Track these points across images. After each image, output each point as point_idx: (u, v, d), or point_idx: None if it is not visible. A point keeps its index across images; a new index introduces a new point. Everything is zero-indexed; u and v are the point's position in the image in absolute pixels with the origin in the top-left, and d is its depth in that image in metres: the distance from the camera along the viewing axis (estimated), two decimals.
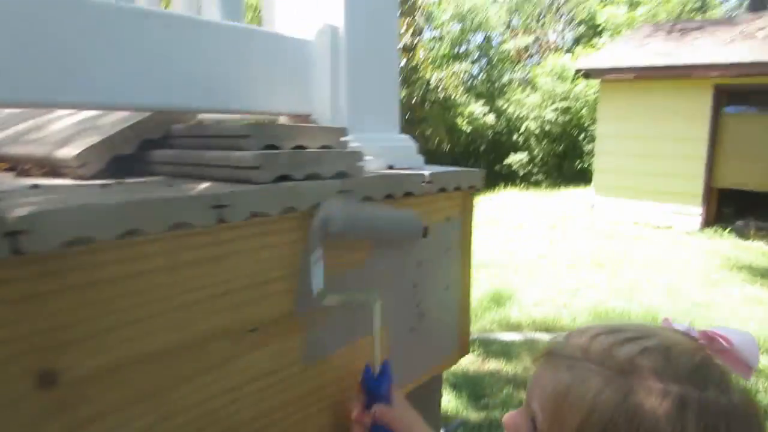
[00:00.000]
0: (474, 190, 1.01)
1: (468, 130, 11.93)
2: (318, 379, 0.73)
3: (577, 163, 11.27)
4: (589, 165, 9.98)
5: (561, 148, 11.57)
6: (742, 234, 6.79)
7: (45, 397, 0.46)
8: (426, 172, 0.86)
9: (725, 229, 6.92)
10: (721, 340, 0.59)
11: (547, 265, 5.70)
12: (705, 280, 5.26)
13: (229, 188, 0.59)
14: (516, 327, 4.10)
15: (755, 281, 5.26)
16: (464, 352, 1.05)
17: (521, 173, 11.45)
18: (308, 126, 0.76)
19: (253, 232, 0.62)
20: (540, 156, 11.62)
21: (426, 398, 0.99)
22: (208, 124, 0.75)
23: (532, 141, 11.74)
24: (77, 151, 0.70)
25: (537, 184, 10.98)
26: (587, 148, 11.08)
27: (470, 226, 1.02)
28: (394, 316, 0.84)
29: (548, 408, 0.60)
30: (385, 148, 0.89)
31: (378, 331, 0.75)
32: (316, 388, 0.73)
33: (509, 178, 11.38)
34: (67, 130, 0.83)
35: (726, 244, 6.59)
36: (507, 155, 11.69)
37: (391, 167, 0.90)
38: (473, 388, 3.07)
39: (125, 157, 0.76)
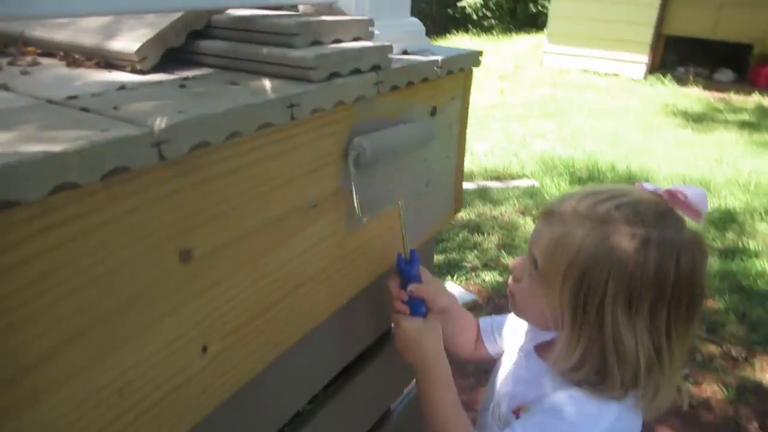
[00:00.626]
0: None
1: None
2: (357, 241, 0.89)
3: (531, 6, 11.01)
4: (544, 8, 9.78)
5: None
6: (682, 80, 7.11)
7: (185, 269, 0.60)
8: (438, 58, 0.95)
9: (666, 76, 7.21)
10: (679, 194, 0.76)
11: (498, 115, 5.88)
12: (644, 126, 5.62)
13: (295, 88, 0.68)
14: (469, 177, 4.37)
15: (687, 126, 5.67)
16: (458, 209, 1.22)
17: (474, 17, 11.12)
18: (343, 19, 0.82)
19: (313, 125, 0.73)
20: None
21: (425, 251, 1.18)
22: (252, 17, 0.80)
23: None
24: (137, 45, 0.75)
25: (489, 29, 10.77)
26: None
27: (468, 101, 1.14)
28: (407, 187, 0.99)
29: (545, 252, 0.79)
30: (400, 34, 0.96)
31: (404, 225, 0.91)
32: (356, 247, 0.89)
33: (461, 22, 11.07)
34: (101, 17, 0.85)
35: (666, 90, 6.92)
36: None
37: (405, 52, 0.98)
38: None
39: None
